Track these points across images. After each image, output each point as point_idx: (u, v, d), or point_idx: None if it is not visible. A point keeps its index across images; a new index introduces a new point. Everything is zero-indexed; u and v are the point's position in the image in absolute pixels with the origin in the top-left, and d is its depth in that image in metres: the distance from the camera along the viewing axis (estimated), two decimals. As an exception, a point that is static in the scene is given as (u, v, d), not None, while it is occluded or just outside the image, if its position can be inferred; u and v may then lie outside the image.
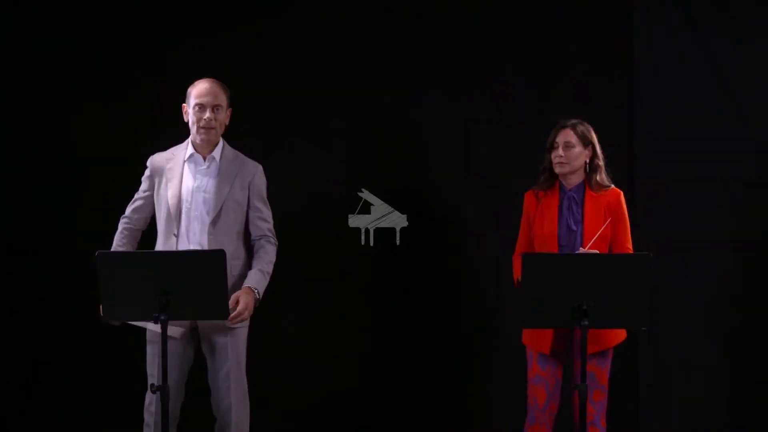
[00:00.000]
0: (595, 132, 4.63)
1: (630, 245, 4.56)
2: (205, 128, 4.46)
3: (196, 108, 4.46)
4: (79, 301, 5.32)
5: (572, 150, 4.51)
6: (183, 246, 4.42)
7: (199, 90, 4.47)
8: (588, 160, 4.55)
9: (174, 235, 4.43)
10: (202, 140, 4.49)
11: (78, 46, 5.58)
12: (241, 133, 4.72)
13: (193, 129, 4.49)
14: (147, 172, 4.58)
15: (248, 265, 4.52)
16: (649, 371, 5.55)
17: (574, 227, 4.49)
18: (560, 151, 4.51)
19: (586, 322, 4.05)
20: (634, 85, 5.57)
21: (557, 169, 4.54)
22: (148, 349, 4.46)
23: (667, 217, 5.55)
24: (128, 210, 4.61)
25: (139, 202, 4.59)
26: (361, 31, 5.64)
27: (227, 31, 5.58)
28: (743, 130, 5.53)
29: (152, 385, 4.12)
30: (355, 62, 5.63)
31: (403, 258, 5.63)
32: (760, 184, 5.53)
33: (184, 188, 4.47)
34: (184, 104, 4.52)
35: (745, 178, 5.54)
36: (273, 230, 4.61)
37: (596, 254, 4.40)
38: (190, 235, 4.44)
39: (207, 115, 4.45)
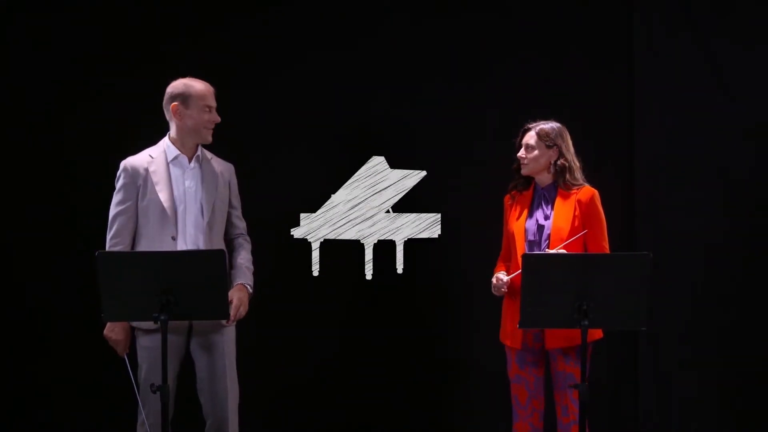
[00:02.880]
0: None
1: (606, 245, 4.55)
2: (211, 129, 4.50)
3: (206, 109, 4.48)
4: (79, 301, 5.34)
5: (532, 152, 4.56)
6: (181, 248, 4.41)
7: (204, 91, 4.48)
8: (553, 161, 4.56)
9: (172, 237, 4.41)
10: (203, 140, 4.50)
11: (78, 44, 5.59)
12: (227, 133, 4.76)
13: (195, 128, 4.47)
14: (125, 179, 4.45)
15: (229, 263, 4.53)
16: (649, 371, 5.55)
17: (542, 222, 4.53)
18: (521, 153, 4.58)
19: (586, 322, 4.05)
20: (634, 85, 5.57)
21: (522, 170, 4.60)
22: (146, 353, 4.43)
23: (667, 217, 5.55)
24: (113, 231, 4.42)
25: (122, 218, 4.43)
26: (357, 28, 5.65)
27: (210, 30, 5.60)
28: (743, 130, 5.54)
29: (152, 384, 4.11)
30: (343, 61, 5.65)
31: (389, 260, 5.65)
32: (760, 184, 5.53)
33: (176, 190, 4.46)
34: (174, 103, 4.48)
35: (745, 177, 5.55)
36: (246, 228, 4.66)
37: (596, 254, 4.42)
38: (187, 237, 4.44)
39: (214, 116, 4.49)
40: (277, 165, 5.61)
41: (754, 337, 5.52)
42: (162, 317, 3.99)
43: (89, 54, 5.58)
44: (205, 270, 4.06)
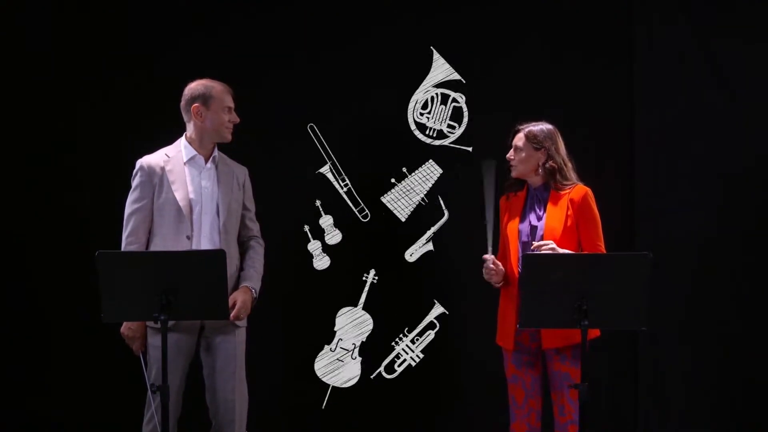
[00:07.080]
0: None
1: (601, 243, 4.53)
2: (231, 129, 4.53)
3: (227, 110, 4.50)
4: (79, 301, 5.34)
5: (520, 154, 4.55)
6: (196, 247, 4.41)
7: (224, 92, 4.51)
8: (541, 164, 4.55)
9: (187, 237, 4.41)
10: (223, 139, 4.53)
11: (78, 43, 5.59)
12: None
13: (215, 129, 4.49)
14: (142, 177, 4.46)
15: (240, 265, 4.53)
16: (649, 371, 5.55)
17: (535, 223, 4.52)
18: (509, 154, 4.58)
19: (586, 322, 4.06)
20: (634, 85, 5.57)
21: (511, 172, 4.60)
22: (156, 353, 4.39)
23: (666, 217, 5.55)
24: (129, 230, 4.44)
25: (138, 217, 4.44)
26: (353, 27, 5.65)
27: (216, 29, 5.60)
28: (743, 129, 5.54)
29: (152, 385, 4.12)
30: (344, 59, 5.65)
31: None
32: (760, 184, 5.54)
33: (192, 190, 4.45)
34: (196, 104, 4.48)
35: (745, 177, 5.55)
36: (260, 231, 4.64)
37: (596, 254, 4.42)
38: (202, 237, 4.44)
39: (234, 116, 4.52)
40: (278, 164, 5.62)
41: (753, 337, 5.52)
42: (162, 317, 3.99)
43: (90, 54, 5.58)
44: (205, 270, 4.07)
